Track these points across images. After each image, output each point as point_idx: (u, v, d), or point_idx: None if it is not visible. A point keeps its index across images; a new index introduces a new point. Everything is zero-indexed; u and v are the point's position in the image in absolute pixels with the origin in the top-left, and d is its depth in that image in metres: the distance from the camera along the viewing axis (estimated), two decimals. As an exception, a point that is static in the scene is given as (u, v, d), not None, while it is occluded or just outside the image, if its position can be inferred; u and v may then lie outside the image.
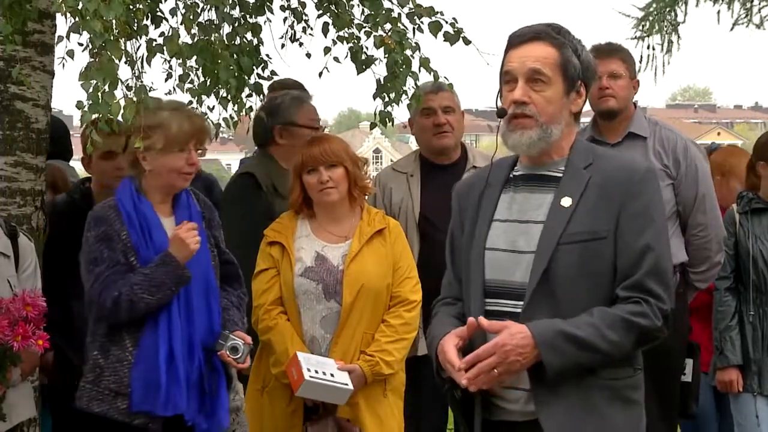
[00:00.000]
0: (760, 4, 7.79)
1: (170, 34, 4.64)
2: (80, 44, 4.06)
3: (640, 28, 8.03)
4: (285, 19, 5.26)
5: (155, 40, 4.65)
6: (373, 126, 5.20)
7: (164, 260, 3.99)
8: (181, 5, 4.81)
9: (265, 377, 4.58)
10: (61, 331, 4.36)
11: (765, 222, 5.25)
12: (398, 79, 4.97)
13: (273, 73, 5.21)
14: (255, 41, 5.11)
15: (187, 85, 4.88)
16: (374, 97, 5.05)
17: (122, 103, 4.10)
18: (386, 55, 4.97)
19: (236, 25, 5.00)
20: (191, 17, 4.72)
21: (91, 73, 3.93)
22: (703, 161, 5.34)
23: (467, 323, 3.12)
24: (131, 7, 4.17)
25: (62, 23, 4.19)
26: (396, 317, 4.53)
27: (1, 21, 4.19)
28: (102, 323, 4.04)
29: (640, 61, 7.94)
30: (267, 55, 5.18)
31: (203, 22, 4.88)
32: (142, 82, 4.41)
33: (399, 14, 5.03)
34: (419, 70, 4.98)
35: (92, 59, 3.96)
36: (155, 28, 4.76)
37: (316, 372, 4.33)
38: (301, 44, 5.27)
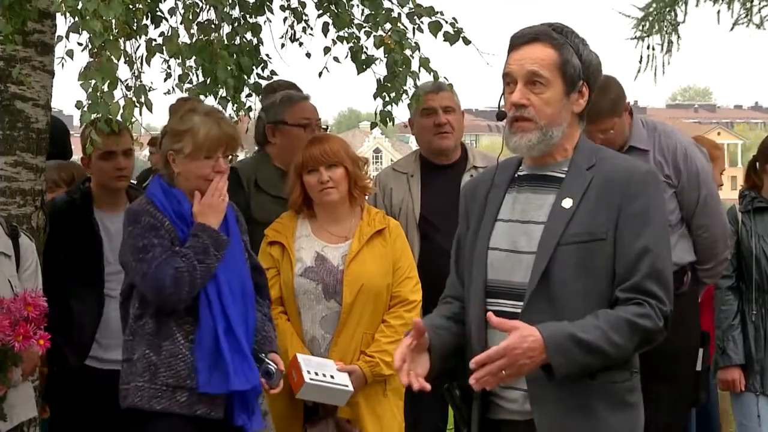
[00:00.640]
0: (760, 4, 7.77)
1: (170, 33, 4.65)
2: (80, 44, 4.07)
3: (640, 28, 8.01)
4: (285, 19, 5.27)
5: (154, 40, 4.66)
6: (373, 126, 5.20)
7: (197, 229, 4.03)
8: (180, 5, 4.81)
9: (265, 377, 4.58)
10: (60, 331, 4.35)
11: (767, 221, 5.24)
12: (398, 79, 4.97)
13: (273, 72, 5.22)
14: (255, 41, 5.12)
15: (187, 85, 4.89)
16: (374, 97, 5.05)
17: (122, 103, 4.11)
18: (386, 55, 4.97)
19: (236, 24, 5.01)
20: (191, 17, 4.73)
21: (91, 73, 3.94)
22: (704, 161, 5.29)
23: (413, 324, 3.15)
24: (131, 6, 4.17)
25: (62, 23, 4.20)
26: (396, 317, 4.53)
27: (1, 21, 4.19)
28: (147, 319, 4.02)
29: (640, 61, 7.94)
30: (267, 55, 5.19)
31: (203, 21, 4.88)
32: (141, 82, 4.42)
33: (399, 14, 5.04)
34: (419, 70, 4.99)
35: (92, 59, 3.96)
36: (155, 28, 4.78)
37: (316, 374, 4.33)
38: (301, 44, 5.27)
